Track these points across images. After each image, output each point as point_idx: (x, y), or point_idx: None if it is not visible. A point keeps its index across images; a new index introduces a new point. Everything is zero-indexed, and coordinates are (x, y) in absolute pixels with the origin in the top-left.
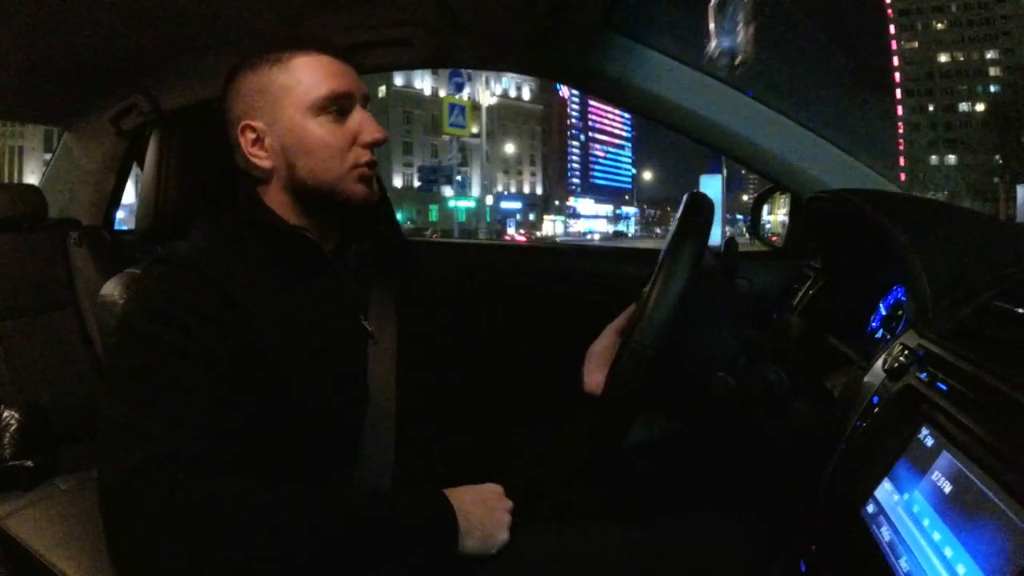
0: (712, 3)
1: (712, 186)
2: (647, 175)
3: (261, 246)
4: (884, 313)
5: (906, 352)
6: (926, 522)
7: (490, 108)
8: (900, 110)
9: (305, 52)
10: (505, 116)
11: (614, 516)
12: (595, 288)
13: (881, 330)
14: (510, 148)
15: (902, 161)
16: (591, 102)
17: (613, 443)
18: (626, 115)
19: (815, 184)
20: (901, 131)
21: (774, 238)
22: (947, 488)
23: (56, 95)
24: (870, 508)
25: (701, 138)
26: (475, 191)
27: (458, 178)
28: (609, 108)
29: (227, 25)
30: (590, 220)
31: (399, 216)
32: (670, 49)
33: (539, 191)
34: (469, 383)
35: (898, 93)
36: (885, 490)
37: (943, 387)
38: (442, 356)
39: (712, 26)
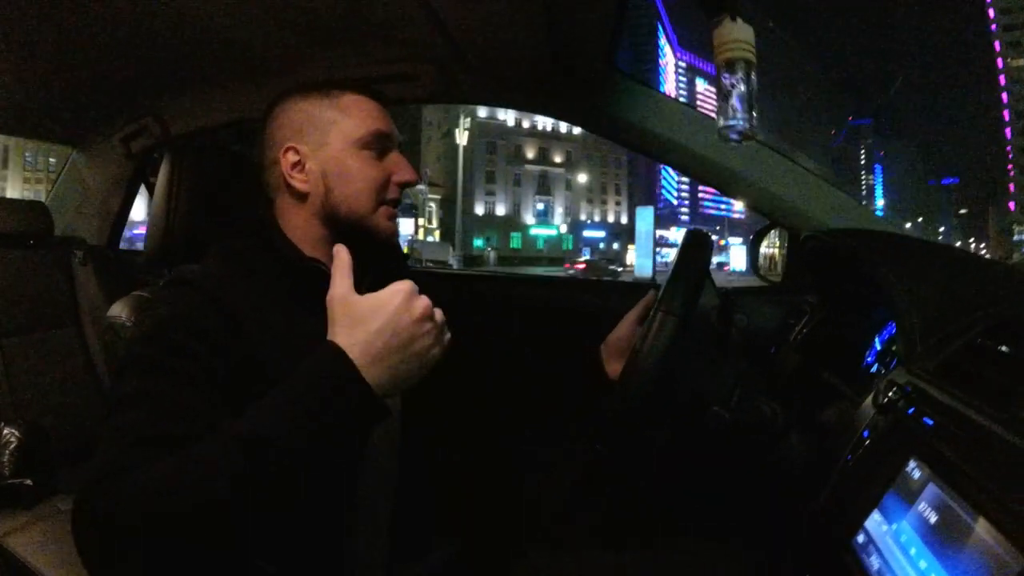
0: (719, 89)
1: (645, 217)
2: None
3: (273, 274)
4: (879, 348)
5: (895, 388)
6: (913, 551)
7: (574, 137)
8: (1009, 133)
9: (355, 92)
10: (590, 145)
11: (608, 540)
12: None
13: (876, 364)
14: (589, 177)
15: (1012, 188)
16: None
17: (615, 446)
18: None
19: (812, 222)
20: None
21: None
22: (933, 519)
23: (68, 115)
24: (860, 538)
25: (701, 176)
26: (558, 219)
27: (540, 207)
28: None
29: (238, 56)
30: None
31: (479, 242)
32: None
33: (624, 220)
34: (472, 403)
35: (1007, 114)
36: (875, 520)
37: (929, 422)
38: (446, 380)
39: (719, 107)
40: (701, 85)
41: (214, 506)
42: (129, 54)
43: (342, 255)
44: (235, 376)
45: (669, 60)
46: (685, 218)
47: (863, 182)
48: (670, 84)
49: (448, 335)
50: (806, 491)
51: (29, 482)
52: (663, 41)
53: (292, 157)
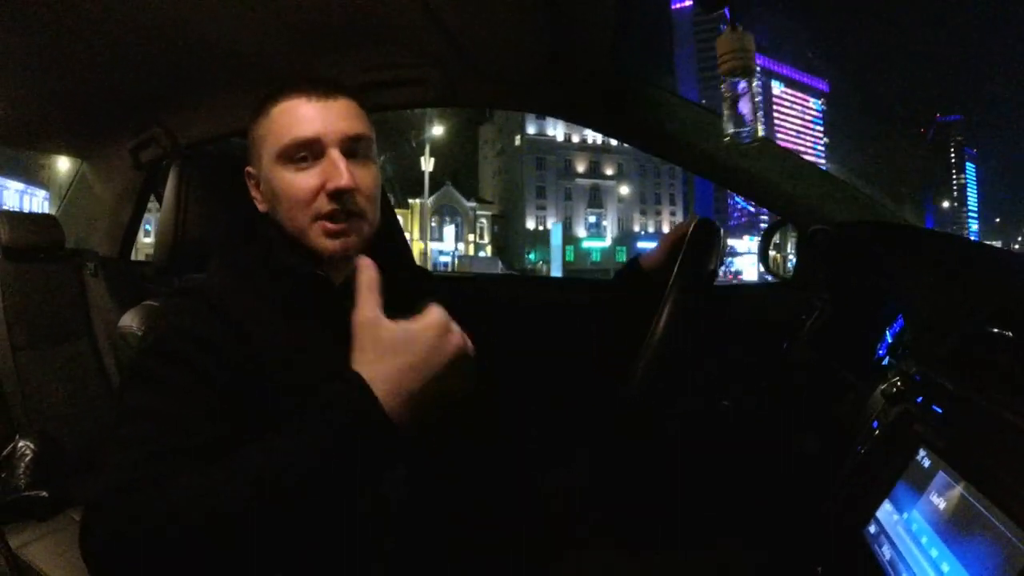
0: (724, 99)
1: (556, 233)
2: None
3: (274, 284)
4: (890, 341)
5: (903, 377)
6: (924, 540)
7: (625, 149)
8: None
9: (284, 98)
10: (642, 156)
11: (623, 538)
12: None
13: (888, 357)
14: (642, 189)
15: None
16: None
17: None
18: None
19: (820, 217)
20: None
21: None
22: (943, 506)
23: (76, 127)
24: (872, 528)
25: (710, 175)
26: (610, 231)
27: (591, 220)
28: (803, 133)
29: (244, 64)
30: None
31: (532, 256)
32: (676, 87)
33: None
34: (480, 409)
35: None
36: (886, 510)
37: (938, 410)
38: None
39: (727, 114)
40: (777, 88)
41: (221, 534)
42: (136, 65)
43: (368, 272)
44: (238, 386)
45: None
46: (764, 226)
47: (953, 182)
48: None
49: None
50: (818, 484)
51: (44, 494)
52: None
53: (251, 179)
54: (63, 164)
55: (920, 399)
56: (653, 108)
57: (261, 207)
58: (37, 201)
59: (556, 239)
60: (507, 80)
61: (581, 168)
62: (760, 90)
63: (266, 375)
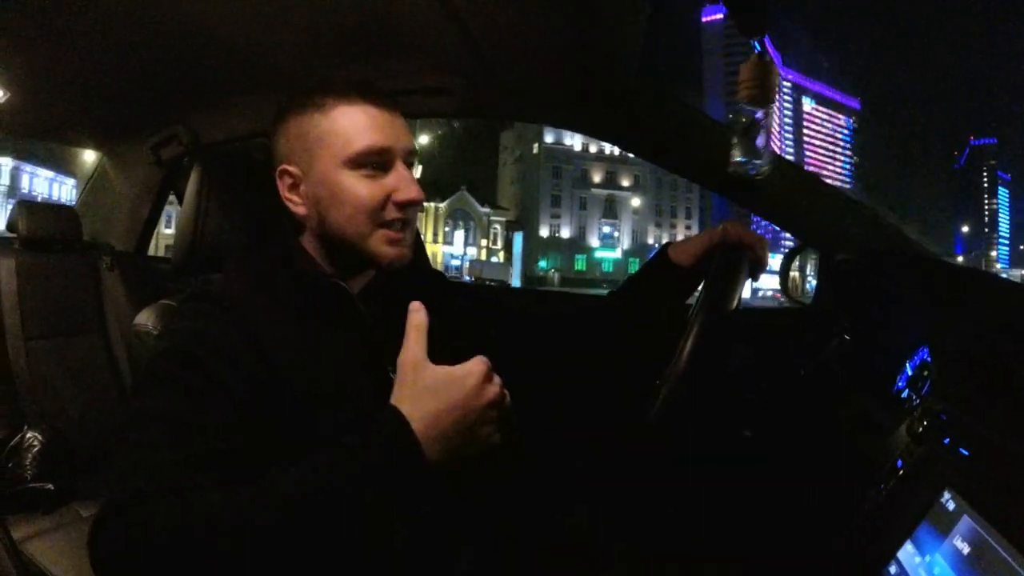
0: (737, 126)
1: (517, 242)
2: None
3: (293, 292)
4: (910, 373)
5: (930, 416)
6: None
7: (641, 160)
8: None
9: (347, 100)
10: (658, 168)
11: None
12: None
13: (907, 390)
14: (658, 201)
15: None
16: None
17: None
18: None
19: (843, 243)
20: None
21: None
22: (967, 551)
23: (98, 121)
24: (893, 569)
25: (734, 196)
26: (624, 243)
27: (605, 230)
28: (833, 151)
29: (267, 67)
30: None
31: (544, 264)
32: (705, 106)
33: None
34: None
35: None
36: (908, 551)
37: (965, 452)
38: None
39: (735, 142)
40: (808, 104)
41: (242, 553)
42: (160, 63)
43: (419, 315)
44: (254, 392)
45: None
46: (788, 243)
47: (985, 207)
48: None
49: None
50: (837, 520)
51: (50, 486)
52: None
53: (287, 179)
54: (90, 155)
55: (947, 439)
56: (677, 125)
57: (299, 210)
58: (67, 189)
59: (517, 247)
60: (531, 93)
61: (597, 178)
62: (775, 120)
63: (281, 381)
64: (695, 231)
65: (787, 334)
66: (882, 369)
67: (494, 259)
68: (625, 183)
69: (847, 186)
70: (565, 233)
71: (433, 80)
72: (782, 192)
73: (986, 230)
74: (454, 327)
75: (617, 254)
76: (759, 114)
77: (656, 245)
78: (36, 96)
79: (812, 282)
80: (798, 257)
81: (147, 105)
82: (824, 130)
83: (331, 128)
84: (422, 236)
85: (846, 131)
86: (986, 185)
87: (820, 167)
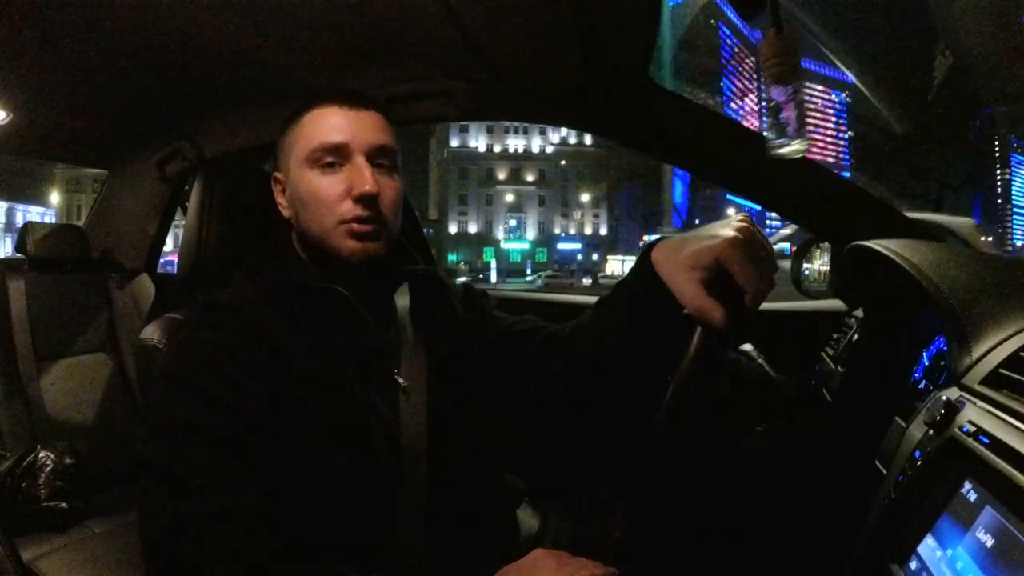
0: (769, 108)
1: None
2: None
3: (296, 300)
4: (927, 363)
5: (947, 404)
6: None
7: (547, 157)
8: None
9: (316, 107)
10: (567, 158)
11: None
12: None
13: (924, 381)
14: (563, 193)
15: None
16: None
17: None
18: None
19: (854, 235)
20: None
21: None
22: (990, 544)
23: (103, 139)
24: (913, 564)
25: (741, 190)
26: (531, 234)
27: (512, 223)
28: (823, 128)
29: (270, 78)
30: None
31: (453, 257)
32: (709, 101)
33: (603, 232)
34: (500, 415)
35: None
36: (928, 546)
37: (985, 440)
38: (473, 395)
39: (769, 123)
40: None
41: None
42: (162, 78)
43: None
44: (271, 398)
45: None
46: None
47: (997, 177)
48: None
49: None
50: (855, 515)
51: (64, 505)
52: None
53: (278, 185)
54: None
55: (966, 428)
56: (684, 123)
57: (285, 213)
58: (48, 218)
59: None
60: (537, 93)
61: (502, 176)
62: (803, 97)
63: (298, 395)
64: (603, 219)
65: (800, 330)
66: (898, 359)
67: None
68: (530, 178)
69: (844, 164)
70: (473, 228)
71: (438, 84)
72: (794, 186)
73: (1000, 201)
74: (444, 333)
75: (525, 245)
76: (787, 91)
77: (563, 235)
78: (40, 116)
79: (822, 269)
80: (809, 251)
81: (150, 121)
82: (815, 108)
83: (300, 131)
84: None
85: (839, 106)
86: (997, 154)
87: (817, 151)
